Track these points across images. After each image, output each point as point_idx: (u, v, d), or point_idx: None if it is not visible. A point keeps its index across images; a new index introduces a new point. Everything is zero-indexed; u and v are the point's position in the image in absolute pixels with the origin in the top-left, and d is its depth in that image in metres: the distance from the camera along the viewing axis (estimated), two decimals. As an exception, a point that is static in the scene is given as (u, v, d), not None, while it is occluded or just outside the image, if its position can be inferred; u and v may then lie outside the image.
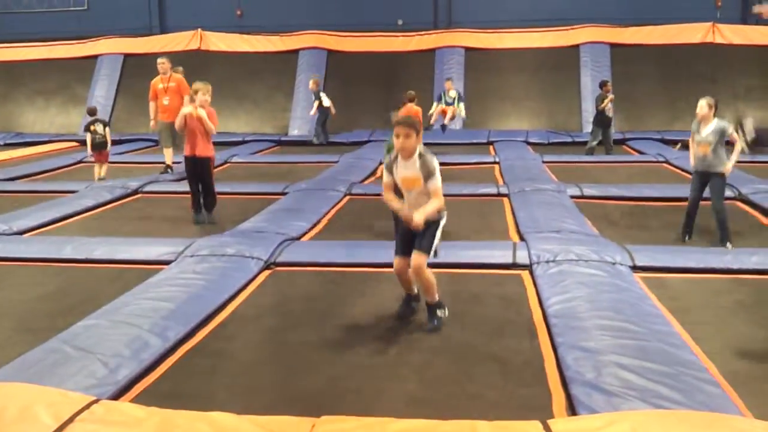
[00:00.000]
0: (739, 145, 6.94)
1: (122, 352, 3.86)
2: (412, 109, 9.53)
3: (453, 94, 14.18)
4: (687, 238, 6.82)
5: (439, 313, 4.49)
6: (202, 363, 3.98)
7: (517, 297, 5.00)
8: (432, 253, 4.38)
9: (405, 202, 4.45)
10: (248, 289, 5.28)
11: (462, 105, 14.24)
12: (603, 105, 12.67)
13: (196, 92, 7.39)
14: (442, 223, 4.45)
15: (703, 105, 6.55)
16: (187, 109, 7.37)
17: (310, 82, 15.43)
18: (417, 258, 4.32)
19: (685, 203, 6.87)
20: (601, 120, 12.88)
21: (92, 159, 10.93)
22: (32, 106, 18.98)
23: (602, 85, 13.18)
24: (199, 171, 7.55)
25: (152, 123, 10.95)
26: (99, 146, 10.51)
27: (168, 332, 4.19)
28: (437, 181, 4.28)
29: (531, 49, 17.58)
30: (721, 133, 6.48)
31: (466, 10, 19.00)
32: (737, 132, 7.74)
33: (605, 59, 17.14)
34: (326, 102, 15.00)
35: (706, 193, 6.70)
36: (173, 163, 10.65)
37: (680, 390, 3.27)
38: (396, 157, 4.41)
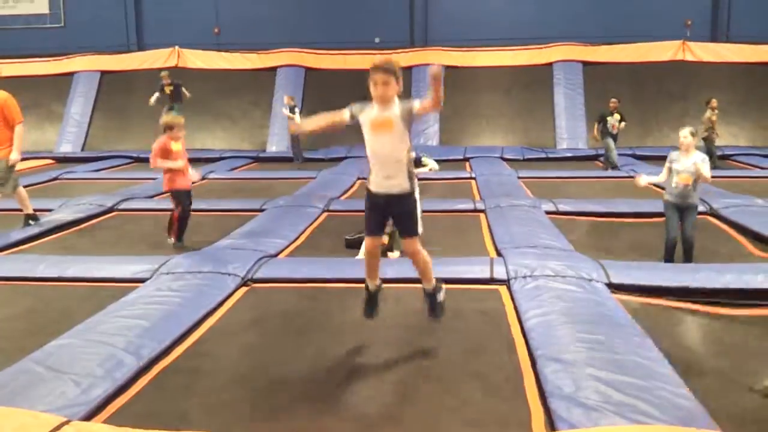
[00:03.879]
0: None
1: (95, 371, 3.79)
2: None
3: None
4: None
5: (439, 298, 4.35)
6: (178, 381, 3.92)
7: (496, 312, 5.00)
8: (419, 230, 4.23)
9: (373, 160, 4.01)
10: (225, 305, 5.21)
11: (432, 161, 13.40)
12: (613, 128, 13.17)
13: (171, 127, 6.81)
14: (417, 194, 4.19)
15: (687, 134, 6.27)
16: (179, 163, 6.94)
17: (286, 98, 15.47)
18: (410, 245, 4.15)
19: (657, 219, 6.87)
20: (609, 132, 13.19)
21: None
22: (6, 123, 18.82)
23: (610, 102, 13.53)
24: (190, 202, 7.39)
25: None
26: None
27: (142, 350, 4.13)
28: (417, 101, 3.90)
29: (505, 67, 17.83)
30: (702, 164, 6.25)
31: (442, 29, 19.21)
32: None
33: (578, 77, 17.41)
34: (297, 118, 15.09)
35: None
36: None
37: (657, 405, 3.28)
38: (365, 105, 3.97)
